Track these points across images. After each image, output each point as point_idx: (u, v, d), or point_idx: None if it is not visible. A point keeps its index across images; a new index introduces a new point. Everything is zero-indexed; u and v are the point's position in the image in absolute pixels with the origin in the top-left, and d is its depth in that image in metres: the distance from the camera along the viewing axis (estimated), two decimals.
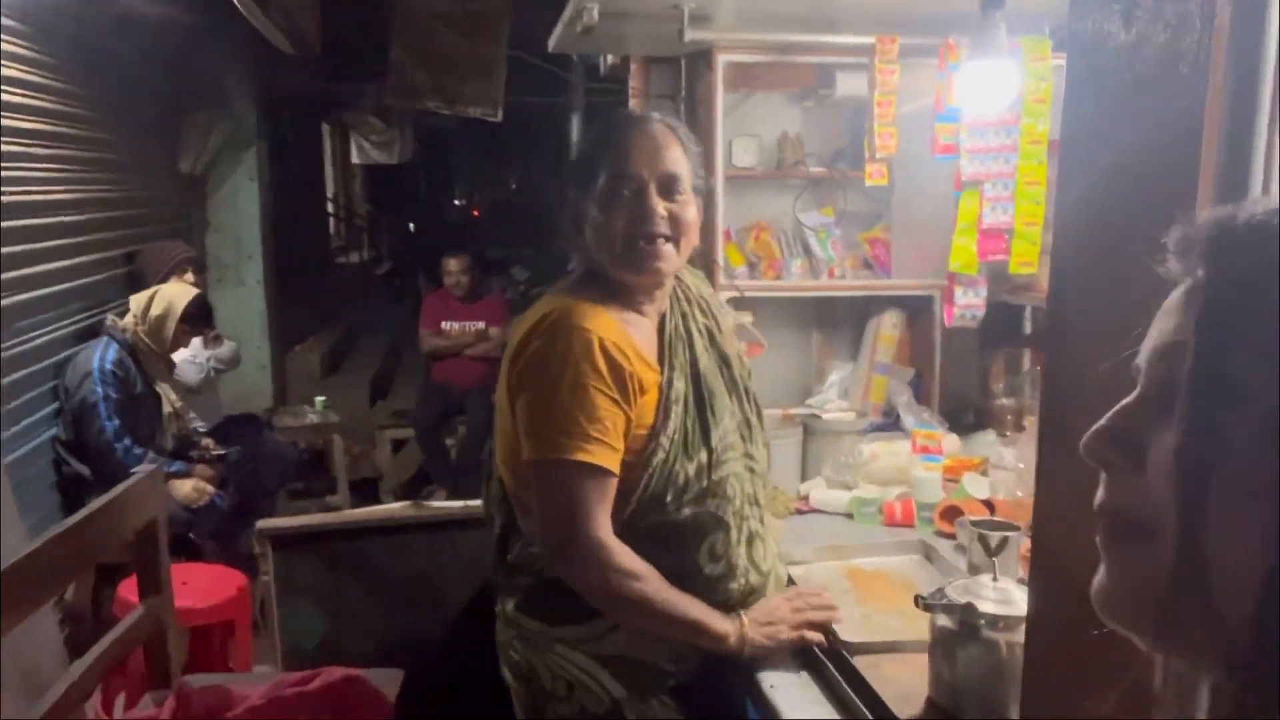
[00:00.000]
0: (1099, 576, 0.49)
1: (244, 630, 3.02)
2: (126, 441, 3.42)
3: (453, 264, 5.14)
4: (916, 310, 2.61)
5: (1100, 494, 0.49)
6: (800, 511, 2.26)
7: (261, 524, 2.41)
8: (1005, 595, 1.30)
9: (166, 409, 3.71)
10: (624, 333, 1.39)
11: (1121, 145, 0.93)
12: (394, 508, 2.49)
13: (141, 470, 1.82)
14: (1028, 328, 2.66)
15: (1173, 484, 0.43)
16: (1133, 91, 0.89)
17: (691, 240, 1.43)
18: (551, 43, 2.61)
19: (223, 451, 3.79)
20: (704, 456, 1.42)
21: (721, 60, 2.38)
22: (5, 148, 3.09)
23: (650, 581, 1.37)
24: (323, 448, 5.10)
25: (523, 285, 7.58)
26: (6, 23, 3.08)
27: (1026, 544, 1.47)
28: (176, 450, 3.74)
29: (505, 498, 1.51)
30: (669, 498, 1.39)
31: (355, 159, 10.53)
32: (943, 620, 1.32)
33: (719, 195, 2.37)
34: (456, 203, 13.63)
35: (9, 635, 1.55)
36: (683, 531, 1.40)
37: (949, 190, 2.29)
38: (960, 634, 1.30)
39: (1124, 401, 0.49)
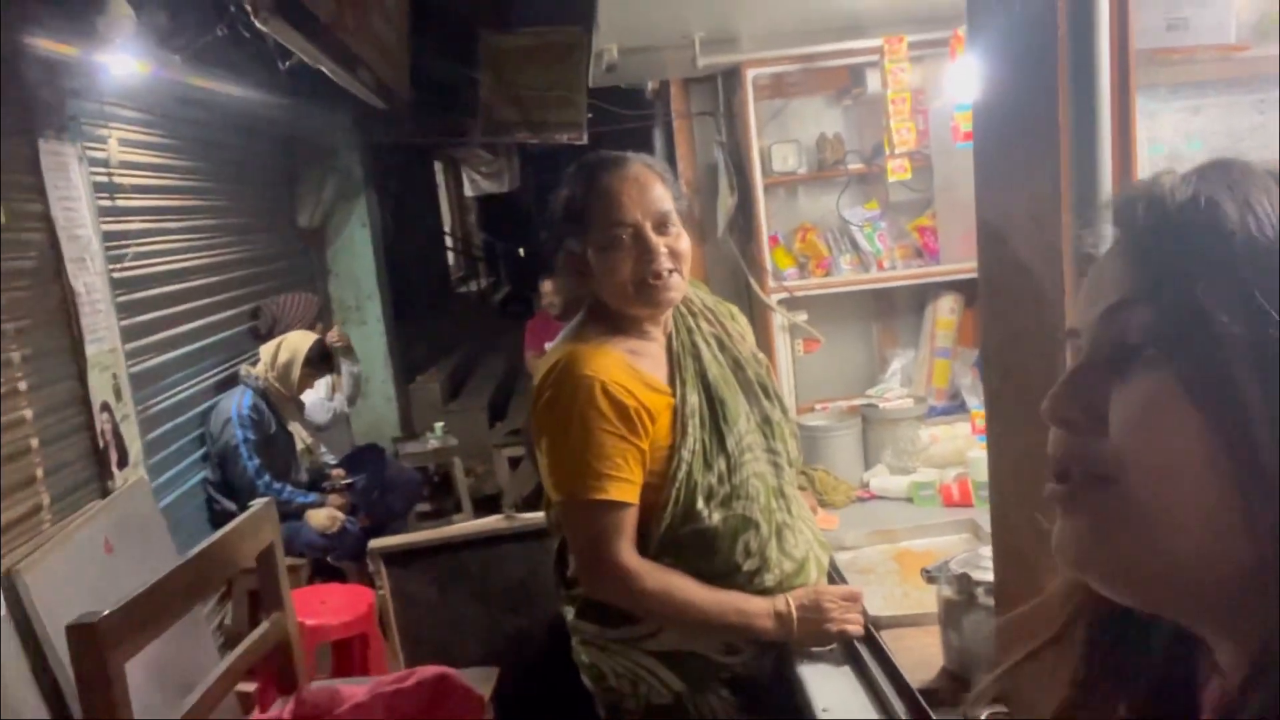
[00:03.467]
0: (1060, 530, 0.50)
1: (376, 641, 3.31)
2: (266, 478, 3.80)
3: (546, 286, 5.37)
4: (974, 292, 2.64)
5: (1057, 452, 0.51)
6: (862, 499, 2.35)
7: (373, 544, 2.68)
8: None
9: (299, 445, 4.09)
10: (628, 368, 1.49)
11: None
12: (486, 521, 2.71)
13: (256, 504, 2.08)
14: None
15: (1139, 437, 0.46)
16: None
17: (689, 263, 1.54)
18: (590, 79, 2.77)
19: (350, 480, 4.14)
20: (722, 464, 1.51)
21: (750, 75, 2.49)
22: (139, 225, 3.50)
23: (684, 590, 1.47)
24: (448, 470, 5.42)
25: None
26: (130, 114, 3.49)
27: None
28: (311, 482, 4.11)
29: (559, 521, 1.61)
30: (698, 506, 1.49)
31: (468, 192, 10.98)
32: (946, 591, 1.41)
33: (760, 203, 2.48)
34: None
35: (168, 648, 1.84)
36: (716, 535, 1.50)
37: None
38: (961, 603, 1.38)
39: (1077, 363, 0.50)
